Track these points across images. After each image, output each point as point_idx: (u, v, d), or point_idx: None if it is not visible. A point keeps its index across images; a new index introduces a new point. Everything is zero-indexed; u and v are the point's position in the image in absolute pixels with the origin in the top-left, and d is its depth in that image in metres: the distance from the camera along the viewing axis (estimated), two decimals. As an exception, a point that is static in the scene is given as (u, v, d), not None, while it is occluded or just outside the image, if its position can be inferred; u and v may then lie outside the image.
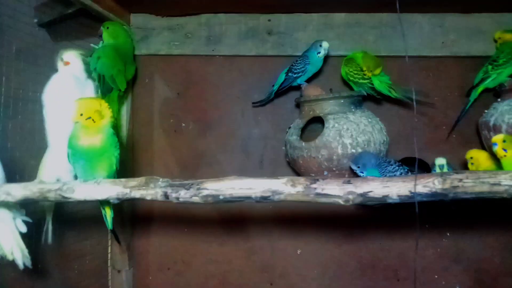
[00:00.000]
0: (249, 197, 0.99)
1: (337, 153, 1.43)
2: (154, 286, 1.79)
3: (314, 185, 0.99)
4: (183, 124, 1.79)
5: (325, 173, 1.47)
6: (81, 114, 1.05)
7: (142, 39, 1.76)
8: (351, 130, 1.44)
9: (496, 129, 1.46)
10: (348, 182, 0.99)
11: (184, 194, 1.00)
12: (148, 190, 1.01)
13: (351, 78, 1.54)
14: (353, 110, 1.49)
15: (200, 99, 1.79)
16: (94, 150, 1.07)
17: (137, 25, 1.77)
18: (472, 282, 1.68)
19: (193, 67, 1.79)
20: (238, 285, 1.76)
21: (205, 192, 0.99)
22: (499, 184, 0.95)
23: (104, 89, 1.48)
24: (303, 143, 1.49)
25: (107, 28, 1.53)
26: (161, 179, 1.02)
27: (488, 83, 1.52)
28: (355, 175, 1.39)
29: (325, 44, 1.52)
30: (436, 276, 1.69)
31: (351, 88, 1.59)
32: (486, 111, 1.55)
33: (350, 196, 0.98)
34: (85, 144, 1.06)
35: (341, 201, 0.99)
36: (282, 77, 1.64)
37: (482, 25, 1.63)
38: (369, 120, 1.48)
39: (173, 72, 1.80)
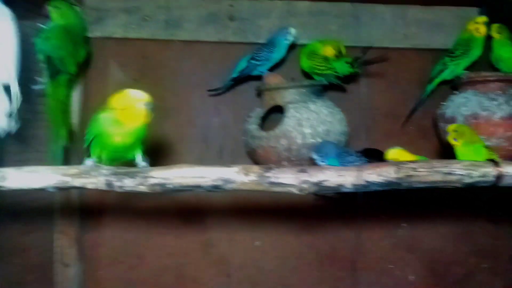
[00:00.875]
0: (199, 186, 0.94)
1: (297, 143, 1.40)
2: (105, 281, 1.71)
3: (268, 174, 0.95)
4: (139, 112, 1.70)
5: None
6: None
7: (96, 21, 1.66)
8: (311, 120, 1.41)
9: (452, 121, 1.48)
10: (303, 171, 0.96)
11: (129, 183, 0.94)
12: (90, 178, 0.94)
13: (317, 71, 1.51)
14: (314, 99, 1.47)
15: (157, 86, 1.69)
16: None
17: (91, 5, 1.66)
18: (425, 271, 1.71)
19: (150, 52, 1.70)
20: (194, 278, 1.71)
21: (152, 181, 0.93)
22: (451, 174, 0.95)
23: (52, 72, 1.39)
24: (263, 133, 1.46)
25: (55, 7, 1.42)
26: (104, 166, 0.95)
27: (446, 75, 1.54)
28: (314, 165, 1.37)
29: (292, 31, 1.48)
30: (391, 266, 1.71)
31: (312, 78, 1.56)
32: (443, 103, 1.57)
33: (305, 185, 0.96)
34: None
35: (295, 190, 0.96)
36: (243, 64, 1.59)
37: (443, 18, 1.65)
38: (330, 110, 1.46)
39: (129, 57, 1.70)
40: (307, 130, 1.40)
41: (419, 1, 1.61)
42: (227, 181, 0.94)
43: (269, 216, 1.72)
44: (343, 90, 1.63)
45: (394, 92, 1.66)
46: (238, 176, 0.94)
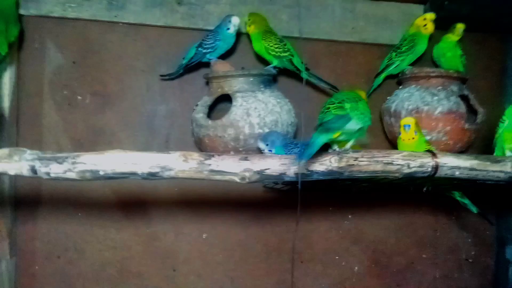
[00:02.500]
0: (134, 173, 0.89)
1: (244, 133, 1.37)
2: (41, 277, 1.60)
3: (208, 161, 0.91)
4: (79, 97, 1.60)
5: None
6: None
7: (32, -3, 1.53)
8: (259, 110, 1.39)
9: (397, 115, 1.52)
10: (245, 159, 0.93)
11: (56, 169, 0.86)
12: (12, 163, 0.85)
13: (272, 53, 1.48)
14: (263, 89, 1.44)
15: (99, 70, 1.60)
16: None
17: (26, -19, 1.52)
18: (369, 262, 1.75)
19: (92, 34, 1.60)
20: (137, 273, 1.64)
21: (81, 167, 0.86)
22: (391, 164, 0.96)
23: (-21, 52, 1.26)
24: (210, 122, 1.41)
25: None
26: (28, 151, 0.87)
27: (392, 69, 1.57)
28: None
29: (234, 20, 1.44)
30: (337, 257, 1.74)
31: (267, 65, 1.54)
32: (388, 97, 1.61)
33: (247, 174, 0.93)
34: None
35: (237, 179, 0.93)
36: (192, 51, 1.53)
37: (390, 14, 1.68)
38: (278, 100, 1.44)
39: (68, 38, 1.59)
40: (255, 120, 1.37)
41: (368, -5, 1.63)
42: (165, 168, 0.89)
43: (217, 208, 1.68)
44: (296, 77, 1.61)
45: (342, 84, 1.67)
46: (176, 163, 0.90)
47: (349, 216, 1.75)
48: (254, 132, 1.37)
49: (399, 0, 1.66)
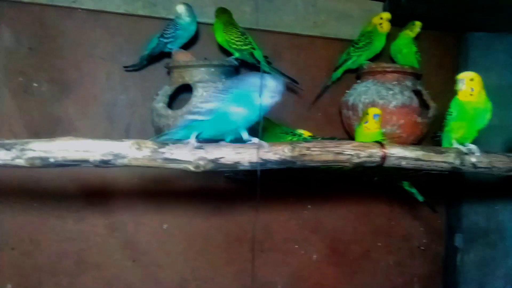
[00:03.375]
0: (86, 161, 0.88)
1: (204, 123, 1.37)
2: (-6, 269, 1.55)
3: (162, 150, 0.92)
4: (35, 84, 1.55)
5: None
6: None
7: (-16, -21, 1.46)
8: (220, 100, 1.39)
9: (354, 108, 1.57)
10: (200, 148, 0.94)
11: (4, 156, 0.84)
12: (-46, 149, 0.83)
13: (233, 46, 1.49)
14: (224, 80, 1.45)
15: (57, 57, 1.56)
16: None
17: (-22, -40, 1.46)
18: (327, 250, 1.81)
19: (49, 19, 1.55)
20: (96, 264, 1.61)
21: (31, 154, 0.85)
22: (342, 154, 1.00)
23: None
24: (170, 111, 1.41)
25: None
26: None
27: (350, 64, 1.62)
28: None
29: (178, 8, 1.44)
30: (296, 246, 1.78)
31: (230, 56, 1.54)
32: (347, 91, 1.66)
33: (201, 162, 0.94)
34: None
35: (191, 167, 0.94)
36: (154, 41, 1.52)
37: (350, 10, 1.72)
38: (239, 91, 1.45)
39: (24, 23, 1.53)
40: (216, 111, 1.38)
41: (330, -10, 1.66)
42: (117, 156, 0.89)
43: (178, 199, 1.68)
44: (259, 69, 1.62)
45: (303, 78, 1.70)
46: (130, 151, 0.89)
47: (309, 207, 1.79)
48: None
49: (359, -3, 1.71)
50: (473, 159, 1.09)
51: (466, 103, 1.10)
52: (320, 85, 1.71)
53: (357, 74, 1.67)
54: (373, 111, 1.33)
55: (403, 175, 1.41)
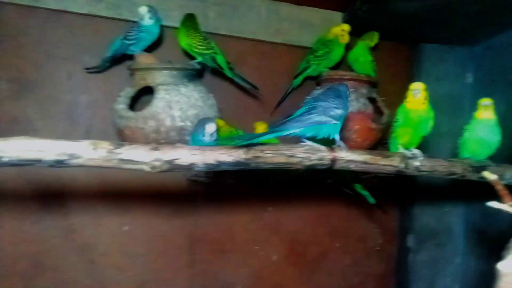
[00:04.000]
0: (40, 161, 0.88)
1: (165, 125, 1.39)
2: None
3: (118, 150, 0.93)
4: (-8, 83, 1.52)
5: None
6: None
7: None
8: (182, 103, 1.42)
9: (313, 114, 1.62)
10: (156, 149, 0.96)
11: (-48, 154, 0.83)
12: None
13: (195, 50, 1.51)
14: (186, 83, 1.47)
15: (16, 56, 1.54)
16: None
17: None
18: (287, 251, 1.86)
19: (9, 17, 1.53)
20: (53, 266, 1.59)
21: (-18, 153, 0.84)
22: (294, 156, 1.04)
23: None
24: (131, 113, 1.42)
25: None
26: None
27: (310, 72, 1.68)
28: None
29: (141, 10, 1.46)
30: (257, 247, 1.82)
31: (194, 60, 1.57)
32: (307, 97, 1.71)
33: (157, 163, 0.96)
34: None
35: (147, 168, 0.96)
36: (117, 43, 1.53)
37: (312, 18, 1.79)
38: (201, 95, 1.48)
39: (-18, 20, 1.51)
40: (177, 113, 1.40)
41: (292, -1, 1.72)
42: (72, 156, 0.89)
43: (139, 200, 1.69)
44: (222, 74, 1.64)
45: (266, 83, 1.75)
46: (85, 151, 0.90)
47: (270, 208, 1.84)
48: (176, 125, 1.40)
49: (321, 6, 1.77)
50: (417, 163, 1.16)
51: (412, 110, 1.18)
52: (282, 91, 1.76)
53: (317, 81, 1.73)
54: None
55: (356, 178, 1.48)
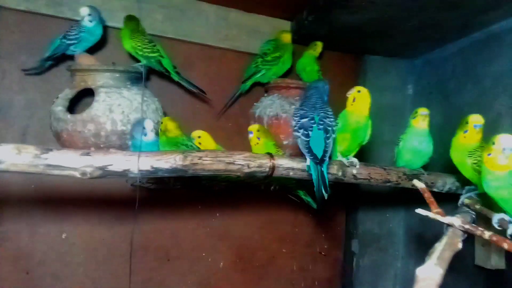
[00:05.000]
0: (-45, 165, 0.82)
1: (106, 129, 1.35)
2: None
3: (45, 155, 0.89)
4: None
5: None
6: None
7: None
8: (123, 107, 1.38)
9: (260, 120, 1.63)
10: (87, 154, 0.93)
11: None
12: None
13: (140, 53, 1.48)
14: (129, 86, 1.44)
15: None
16: None
17: None
18: (234, 257, 1.85)
19: None
20: (-18, 277, 1.49)
21: None
22: (233, 163, 1.04)
23: None
24: (69, 116, 1.36)
25: None
26: None
27: (259, 77, 1.68)
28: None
29: (82, 10, 1.41)
30: (203, 254, 1.80)
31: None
32: (255, 103, 1.73)
33: (88, 169, 0.92)
34: None
35: (77, 174, 0.92)
36: (56, 43, 1.46)
37: (261, 26, 1.80)
38: (145, 98, 1.45)
39: None
40: (118, 117, 1.36)
41: (241, 6, 1.73)
42: (-7, 161, 0.84)
43: (79, 207, 1.62)
44: (169, 78, 1.61)
45: (215, 89, 1.75)
46: (8, 156, 0.85)
47: (217, 215, 1.82)
48: (117, 129, 1.36)
49: (269, 15, 1.79)
50: (354, 171, 1.20)
51: (350, 114, 1.21)
52: (231, 96, 1.76)
53: (265, 88, 1.74)
54: (249, 128, 1.39)
55: (300, 184, 1.50)
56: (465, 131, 1.13)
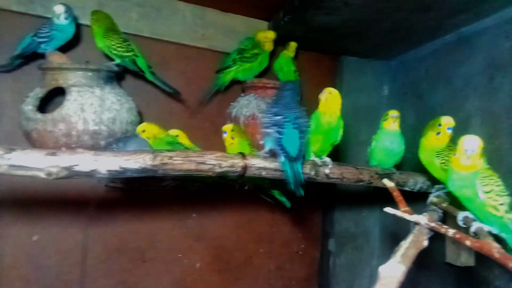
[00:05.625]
0: None
1: (77, 129, 1.33)
2: None
3: (8, 155, 0.87)
4: None
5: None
6: None
7: None
8: (96, 106, 1.36)
9: (236, 120, 1.63)
10: (53, 154, 0.91)
11: None
12: None
13: (114, 52, 1.45)
14: (102, 85, 1.41)
15: None
16: None
17: None
18: (211, 258, 1.84)
19: None
20: None
21: None
22: (204, 163, 1.03)
23: None
24: (39, 115, 1.33)
25: None
26: None
27: (233, 70, 1.66)
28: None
29: (57, 9, 1.39)
30: (179, 255, 1.78)
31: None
32: (231, 103, 1.72)
33: (54, 169, 0.90)
34: None
35: (42, 174, 0.90)
36: (27, 41, 1.43)
37: (237, 25, 1.80)
38: (118, 98, 1.43)
39: None
40: (90, 116, 1.34)
41: (217, 5, 1.72)
42: (-47, 161, 0.82)
43: (51, 208, 1.59)
44: (145, 78, 1.59)
45: (191, 88, 1.74)
46: (-31, 156, 0.83)
47: (194, 215, 1.81)
48: (89, 129, 1.33)
49: (246, 14, 1.79)
50: (326, 171, 1.21)
51: (322, 114, 1.21)
52: (209, 96, 1.75)
53: (242, 87, 1.74)
54: (222, 128, 1.39)
55: (274, 184, 1.50)
56: (438, 133, 1.16)
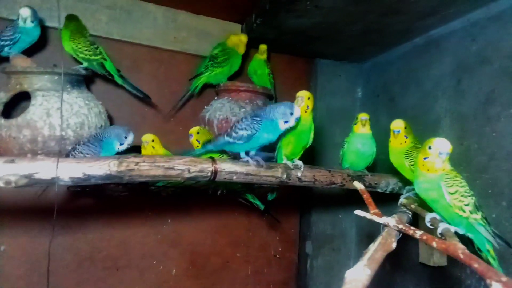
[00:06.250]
0: None
1: (43, 134, 1.28)
2: None
3: (-38, 164, 0.83)
4: None
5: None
6: None
7: None
8: (63, 111, 1.31)
9: (210, 123, 1.61)
10: (11, 162, 0.87)
11: None
12: None
13: (81, 55, 1.42)
14: (69, 89, 1.38)
15: None
16: None
17: None
18: (187, 264, 1.81)
19: None
20: None
21: None
22: (173, 168, 1.01)
23: None
24: (2, 120, 1.28)
25: None
26: None
27: (206, 75, 1.65)
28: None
29: (23, 12, 1.34)
30: (154, 262, 1.75)
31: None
32: (205, 107, 1.70)
33: (12, 178, 0.87)
34: None
35: (0, 183, 0.86)
36: (-10, 43, 1.38)
37: (211, 28, 1.78)
38: (87, 102, 1.39)
39: None
40: (57, 121, 1.29)
41: (190, 8, 1.70)
42: None
43: (19, 217, 1.53)
44: (115, 82, 1.56)
45: (164, 92, 1.72)
46: None
47: (169, 221, 1.78)
48: (55, 134, 1.29)
49: (219, 17, 1.78)
50: (298, 174, 1.20)
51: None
52: (182, 102, 1.73)
53: (216, 91, 1.73)
54: (190, 131, 1.38)
55: (247, 188, 1.49)
56: (390, 136, 1.20)
